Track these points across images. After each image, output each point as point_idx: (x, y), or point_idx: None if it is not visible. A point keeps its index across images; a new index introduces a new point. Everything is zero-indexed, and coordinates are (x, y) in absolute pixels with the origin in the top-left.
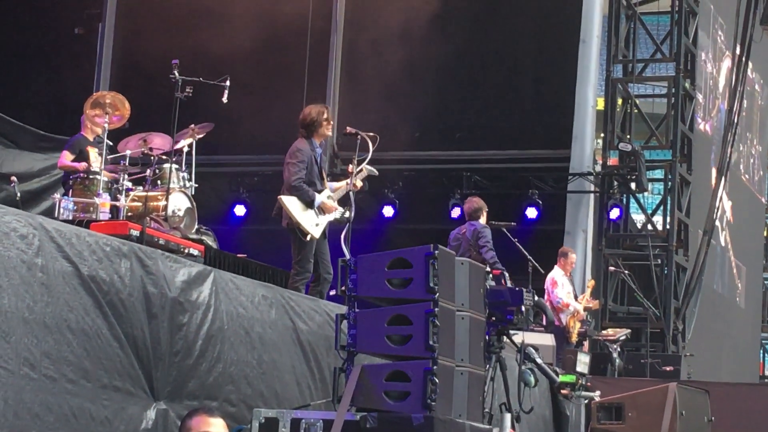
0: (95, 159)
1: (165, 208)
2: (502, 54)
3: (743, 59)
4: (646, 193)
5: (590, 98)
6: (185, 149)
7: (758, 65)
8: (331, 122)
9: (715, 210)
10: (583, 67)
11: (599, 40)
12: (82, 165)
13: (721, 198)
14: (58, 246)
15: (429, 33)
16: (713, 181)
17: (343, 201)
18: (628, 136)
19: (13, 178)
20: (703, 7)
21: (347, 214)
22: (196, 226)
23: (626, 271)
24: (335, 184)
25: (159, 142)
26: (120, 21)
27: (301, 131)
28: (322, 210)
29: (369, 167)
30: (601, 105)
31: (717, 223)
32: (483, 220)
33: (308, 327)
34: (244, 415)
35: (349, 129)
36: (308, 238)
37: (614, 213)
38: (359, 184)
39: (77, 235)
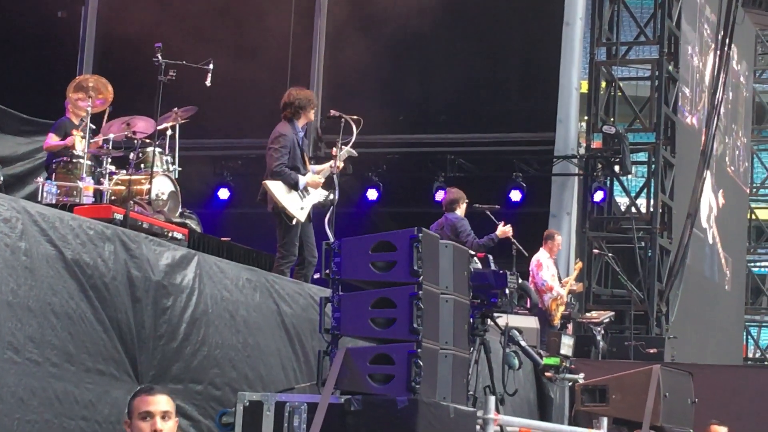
0: (79, 142)
1: (149, 191)
2: (487, 37)
3: (727, 42)
4: (629, 176)
5: (574, 81)
6: (168, 133)
7: (744, 54)
8: (315, 108)
9: (699, 192)
10: (566, 49)
11: (583, 22)
12: (69, 140)
13: (702, 189)
14: (42, 230)
15: (413, 16)
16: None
17: (327, 184)
18: (612, 119)
19: None
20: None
21: (331, 197)
22: (179, 210)
23: (610, 254)
24: (317, 167)
25: (142, 125)
26: (103, 4)
27: (285, 113)
28: (308, 189)
29: (349, 149)
30: (584, 88)
31: (705, 224)
32: (460, 212)
33: (292, 310)
34: (229, 398)
35: (332, 112)
36: (294, 222)
37: (598, 196)
38: (341, 165)
39: (61, 218)
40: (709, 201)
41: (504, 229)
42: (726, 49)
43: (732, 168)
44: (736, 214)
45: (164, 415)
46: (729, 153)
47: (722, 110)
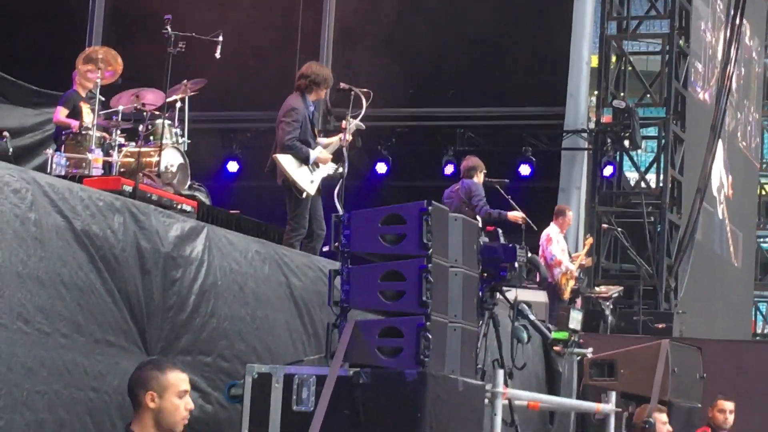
0: (88, 114)
1: (158, 164)
2: (497, 10)
3: (738, 16)
4: (639, 151)
5: (585, 55)
6: (178, 105)
7: (756, 30)
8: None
9: (709, 167)
10: (577, 23)
11: None
12: (76, 124)
13: (712, 164)
14: (51, 200)
15: None
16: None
17: (337, 157)
18: (622, 94)
19: (5, 133)
20: None
21: (340, 170)
22: (188, 182)
23: (619, 229)
24: (325, 140)
25: (151, 97)
26: None
27: (299, 84)
28: (317, 164)
29: (357, 122)
30: (595, 62)
31: (716, 198)
32: (478, 179)
33: (302, 283)
34: (237, 370)
35: (342, 85)
36: (304, 195)
37: (608, 170)
38: (349, 138)
39: (70, 189)
40: (720, 176)
41: (516, 214)
42: (738, 22)
43: (744, 143)
44: (747, 190)
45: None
46: (741, 128)
47: (734, 85)
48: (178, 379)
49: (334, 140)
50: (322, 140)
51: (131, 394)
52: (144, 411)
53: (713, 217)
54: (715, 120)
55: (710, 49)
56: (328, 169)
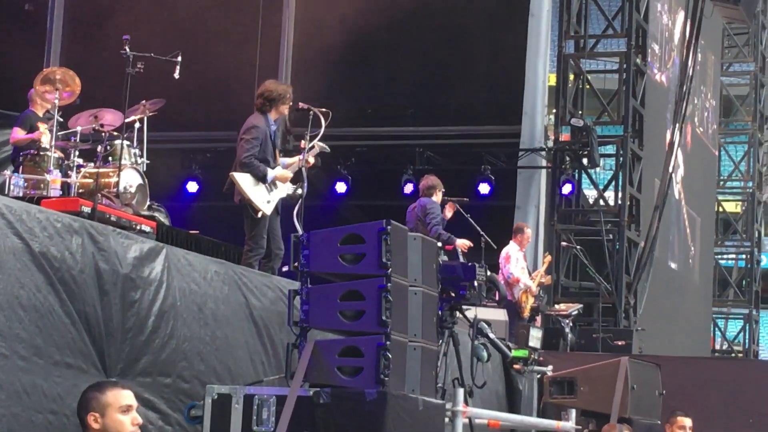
0: (45, 135)
1: (116, 184)
2: (454, 29)
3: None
4: (597, 169)
5: (540, 73)
6: (137, 125)
7: (711, 46)
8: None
9: (667, 186)
10: (532, 41)
11: (549, 14)
12: (37, 134)
13: (669, 181)
14: (8, 222)
15: (382, 8)
16: (668, 137)
17: (296, 177)
18: (580, 112)
19: None
20: None
21: (300, 191)
22: (147, 203)
23: (578, 246)
24: (288, 160)
25: (110, 118)
26: None
27: (258, 103)
28: (276, 182)
29: (321, 144)
30: (553, 81)
31: (671, 174)
32: (436, 198)
33: (261, 303)
34: (198, 392)
35: (301, 104)
36: (260, 214)
37: (566, 188)
38: (312, 160)
39: (27, 211)
40: (678, 158)
41: (464, 243)
42: (694, 42)
43: (701, 129)
44: (705, 177)
45: (136, 410)
46: (698, 114)
47: (691, 72)
48: (117, 396)
49: (295, 161)
50: (284, 160)
51: (79, 419)
52: None
53: (670, 198)
54: (672, 137)
55: (667, 31)
56: (287, 189)
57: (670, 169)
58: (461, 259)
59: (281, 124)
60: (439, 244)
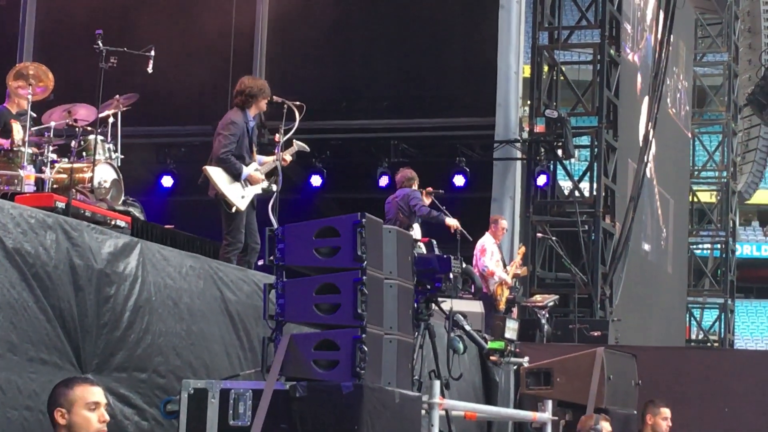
0: (18, 132)
1: (91, 179)
2: (428, 21)
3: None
4: (572, 160)
5: (513, 65)
6: (110, 120)
7: (683, 36)
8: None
9: (641, 176)
10: (503, 33)
11: (519, 5)
12: (7, 143)
13: (644, 173)
14: None
15: (356, 1)
16: (643, 113)
17: (271, 171)
18: (555, 103)
19: None
20: None
21: (274, 187)
22: (122, 198)
23: (554, 238)
24: (264, 158)
25: (84, 113)
26: None
27: (237, 100)
28: (249, 182)
29: (300, 143)
30: (527, 72)
31: (645, 156)
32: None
33: (237, 297)
34: (174, 386)
35: (275, 98)
36: (234, 210)
37: (541, 180)
38: (289, 159)
39: (1, 207)
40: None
41: (452, 222)
42: (667, 33)
43: (673, 110)
44: (678, 159)
45: (104, 407)
46: (671, 95)
47: (665, 63)
48: (85, 392)
49: (271, 159)
50: (260, 158)
51: (49, 415)
52: (58, 429)
53: (642, 181)
54: (647, 131)
55: (639, 11)
56: (262, 185)
57: (645, 159)
58: (436, 251)
59: (257, 119)
60: (417, 236)
